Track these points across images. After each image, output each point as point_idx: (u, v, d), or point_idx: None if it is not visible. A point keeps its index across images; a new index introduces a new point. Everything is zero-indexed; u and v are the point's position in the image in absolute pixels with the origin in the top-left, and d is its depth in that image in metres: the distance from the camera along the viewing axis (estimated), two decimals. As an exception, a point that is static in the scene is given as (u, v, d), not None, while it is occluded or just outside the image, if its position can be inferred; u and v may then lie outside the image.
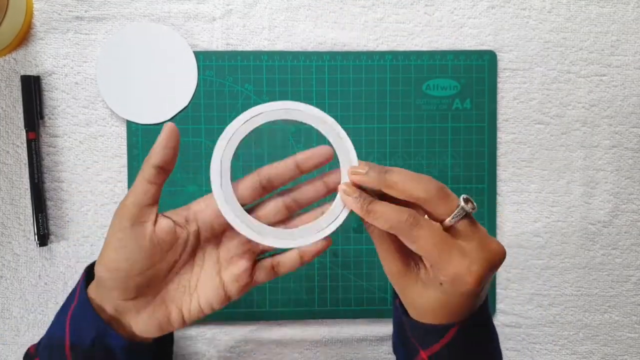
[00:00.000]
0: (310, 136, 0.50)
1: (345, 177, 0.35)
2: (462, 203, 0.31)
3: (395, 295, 0.37)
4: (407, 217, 0.31)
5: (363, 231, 0.50)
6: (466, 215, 0.32)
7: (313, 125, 0.36)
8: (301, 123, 0.36)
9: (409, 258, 0.34)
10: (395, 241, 0.33)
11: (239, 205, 0.35)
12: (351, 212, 0.35)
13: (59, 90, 0.49)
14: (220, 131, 0.49)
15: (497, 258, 0.32)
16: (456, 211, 0.31)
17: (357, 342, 0.51)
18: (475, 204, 0.32)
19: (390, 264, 0.34)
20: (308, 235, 0.36)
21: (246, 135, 0.36)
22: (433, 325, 0.34)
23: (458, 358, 0.34)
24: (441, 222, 0.32)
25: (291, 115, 0.36)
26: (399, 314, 0.36)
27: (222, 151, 0.37)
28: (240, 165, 0.49)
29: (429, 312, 0.33)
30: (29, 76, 0.48)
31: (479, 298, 0.33)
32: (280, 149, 0.50)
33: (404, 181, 0.32)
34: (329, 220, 0.35)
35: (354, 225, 0.51)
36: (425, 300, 0.33)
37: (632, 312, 0.52)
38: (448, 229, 0.32)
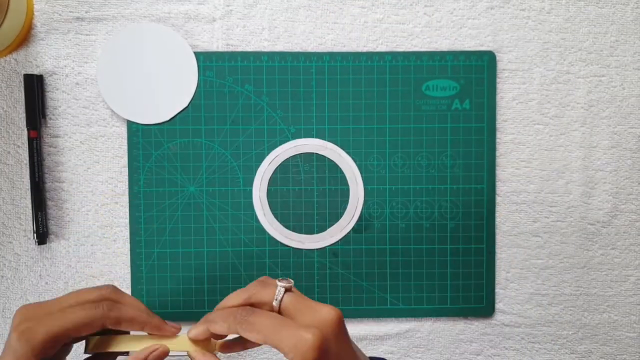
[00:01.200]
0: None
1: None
2: (278, 283, 0.35)
3: None
4: (240, 311, 0.34)
5: (363, 231, 0.51)
6: (287, 291, 0.34)
7: (318, 152, 0.49)
8: (310, 153, 0.49)
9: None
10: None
11: (280, 226, 0.49)
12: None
13: (59, 90, 0.50)
14: (220, 131, 0.50)
15: (329, 321, 0.33)
16: (277, 290, 0.34)
17: (357, 342, 0.51)
18: (290, 280, 0.35)
19: None
20: (330, 237, 0.47)
21: (272, 174, 0.46)
22: None
23: None
24: (271, 308, 0.34)
25: (299, 150, 0.49)
26: None
27: (258, 190, 0.47)
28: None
29: None
30: (32, 75, 0.48)
31: None
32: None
33: (225, 301, 0.36)
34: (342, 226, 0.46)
35: (354, 225, 0.51)
36: None
37: (631, 312, 0.52)
38: (280, 312, 0.34)
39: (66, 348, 0.37)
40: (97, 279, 0.49)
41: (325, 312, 0.33)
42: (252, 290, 0.35)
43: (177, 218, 0.50)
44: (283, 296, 0.34)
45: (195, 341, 0.36)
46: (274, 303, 0.34)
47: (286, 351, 0.32)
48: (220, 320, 0.34)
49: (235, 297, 0.36)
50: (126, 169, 0.50)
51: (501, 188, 0.51)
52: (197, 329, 0.36)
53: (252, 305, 0.35)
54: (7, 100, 0.49)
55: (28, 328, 0.33)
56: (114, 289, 0.37)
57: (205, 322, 0.35)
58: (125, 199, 0.50)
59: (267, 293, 0.35)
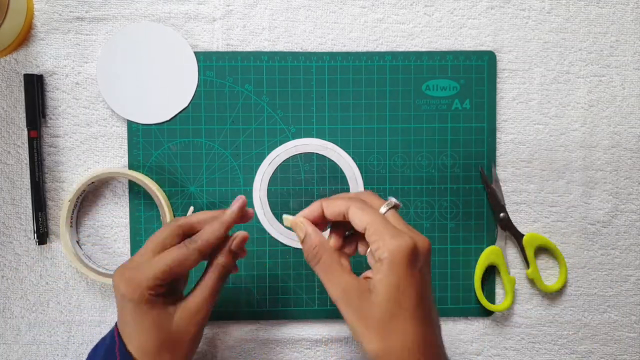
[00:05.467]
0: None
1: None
2: (389, 200, 0.39)
3: None
4: (355, 198, 0.38)
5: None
6: (394, 207, 0.38)
7: (318, 152, 0.50)
8: (310, 153, 0.50)
9: (352, 271, 0.38)
10: (334, 253, 0.38)
11: (280, 226, 0.49)
12: None
13: (59, 90, 0.50)
14: (220, 131, 0.50)
15: (424, 242, 0.36)
16: (387, 201, 0.38)
17: (357, 342, 0.51)
18: (400, 202, 0.39)
19: (337, 278, 0.37)
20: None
21: (272, 174, 0.47)
22: None
23: None
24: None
25: (299, 150, 0.50)
26: None
27: (258, 190, 0.49)
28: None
29: (384, 322, 0.35)
30: (32, 74, 0.48)
31: (419, 296, 0.35)
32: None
33: (339, 194, 0.41)
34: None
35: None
36: (377, 307, 0.35)
37: (631, 312, 0.52)
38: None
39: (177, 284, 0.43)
40: (97, 279, 0.49)
41: (422, 236, 0.37)
42: (366, 195, 0.40)
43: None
44: (391, 209, 0.38)
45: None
46: (382, 208, 0.38)
47: (380, 245, 0.35)
48: (339, 200, 0.38)
49: (348, 194, 0.40)
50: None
51: (501, 188, 0.51)
52: (312, 207, 0.39)
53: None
54: (7, 100, 0.49)
55: (131, 277, 0.38)
56: (178, 223, 0.41)
57: (321, 201, 0.39)
58: (125, 199, 0.50)
59: (379, 201, 0.39)
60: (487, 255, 0.50)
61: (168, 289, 0.40)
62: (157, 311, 0.39)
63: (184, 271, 0.40)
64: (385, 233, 0.35)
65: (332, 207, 0.38)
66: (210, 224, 0.41)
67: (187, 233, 0.41)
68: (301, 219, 0.39)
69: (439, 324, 0.38)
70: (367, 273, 0.39)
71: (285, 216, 0.40)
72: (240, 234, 0.42)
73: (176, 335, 0.40)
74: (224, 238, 0.41)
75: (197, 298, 0.40)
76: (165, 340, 0.39)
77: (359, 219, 0.36)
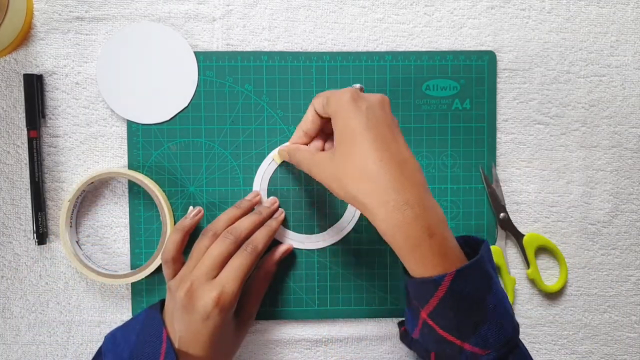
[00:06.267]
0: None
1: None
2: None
3: (403, 269, 0.39)
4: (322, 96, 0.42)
5: (363, 231, 0.51)
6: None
7: None
8: None
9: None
10: (304, 149, 0.44)
11: (281, 226, 0.50)
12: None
13: (59, 90, 0.50)
14: (220, 131, 0.50)
15: (376, 96, 0.40)
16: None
17: (357, 342, 0.51)
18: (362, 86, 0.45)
19: (313, 160, 0.42)
20: (330, 237, 0.50)
21: (272, 174, 0.50)
22: (427, 278, 0.36)
23: (455, 311, 0.36)
24: None
25: None
26: (403, 281, 0.41)
27: (258, 190, 0.50)
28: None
29: (343, 158, 0.38)
30: (32, 74, 0.48)
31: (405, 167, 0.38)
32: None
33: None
34: (339, 229, 0.50)
35: (354, 225, 0.51)
36: (336, 154, 0.39)
37: (632, 312, 0.52)
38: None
39: None
40: (97, 279, 0.49)
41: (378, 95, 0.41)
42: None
43: (177, 218, 0.50)
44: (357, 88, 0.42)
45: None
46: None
47: (332, 105, 0.40)
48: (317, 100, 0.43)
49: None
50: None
51: (501, 188, 0.51)
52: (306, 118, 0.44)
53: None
54: (7, 100, 0.49)
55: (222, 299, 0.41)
56: (229, 231, 0.45)
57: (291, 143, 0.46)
58: (125, 199, 0.50)
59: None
60: None
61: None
62: (231, 323, 0.45)
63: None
64: (333, 94, 0.40)
65: (315, 103, 0.43)
66: (263, 228, 0.46)
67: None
68: (277, 150, 0.48)
69: (408, 159, 0.39)
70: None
71: (274, 154, 0.48)
72: (289, 246, 0.49)
73: (237, 340, 0.46)
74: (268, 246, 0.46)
75: (251, 302, 0.47)
76: (230, 347, 0.45)
77: (318, 101, 0.42)
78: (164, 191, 0.50)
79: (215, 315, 0.40)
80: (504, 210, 0.51)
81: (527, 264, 0.51)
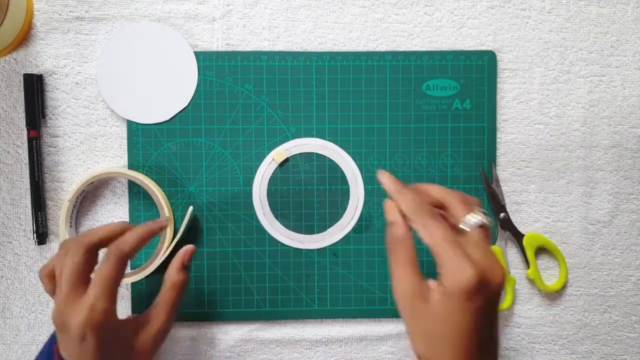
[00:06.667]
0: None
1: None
2: (479, 211, 0.34)
3: None
4: (427, 206, 0.34)
5: (363, 231, 0.51)
6: (482, 227, 0.34)
7: (318, 152, 0.50)
8: (310, 152, 0.50)
9: (421, 273, 0.35)
10: (410, 250, 0.35)
11: (280, 226, 0.49)
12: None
13: (59, 90, 0.50)
14: (220, 131, 0.50)
15: (491, 278, 0.32)
16: (474, 215, 0.34)
17: (357, 342, 0.51)
18: (491, 219, 0.34)
19: (403, 275, 0.34)
20: (330, 237, 0.49)
21: (272, 174, 0.48)
22: None
23: None
24: (455, 223, 0.34)
25: (299, 150, 0.50)
26: None
27: (258, 190, 0.48)
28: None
29: (437, 340, 0.33)
30: (32, 74, 0.48)
31: (483, 321, 0.32)
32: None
33: (428, 186, 0.37)
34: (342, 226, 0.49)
35: (354, 225, 0.51)
36: (432, 322, 0.33)
37: (632, 312, 0.52)
38: (461, 234, 0.34)
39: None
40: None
41: (497, 269, 0.32)
42: (453, 195, 0.35)
43: (177, 218, 0.50)
44: (474, 224, 0.34)
45: None
46: (461, 225, 0.34)
47: (442, 271, 0.32)
48: (411, 200, 0.35)
49: (434, 188, 0.36)
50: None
51: (502, 188, 0.51)
52: (405, 193, 0.36)
53: (441, 206, 0.35)
54: (6, 100, 0.49)
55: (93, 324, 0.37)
56: (84, 246, 0.40)
57: (395, 193, 0.36)
58: (125, 199, 0.50)
59: (462, 209, 0.34)
60: None
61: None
62: (121, 340, 0.39)
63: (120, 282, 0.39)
64: (449, 257, 0.32)
65: (402, 206, 0.35)
66: (136, 227, 0.41)
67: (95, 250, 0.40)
68: (391, 202, 0.36)
69: None
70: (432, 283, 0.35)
71: (381, 173, 0.37)
72: (188, 248, 0.44)
73: (136, 352, 0.40)
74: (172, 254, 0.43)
75: (159, 316, 0.42)
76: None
77: (425, 237, 0.34)
78: (163, 191, 0.50)
79: (90, 337, 0.36)
80: (504, 210, 0.51)
81: (527, 264, 0.51)
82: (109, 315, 0.37)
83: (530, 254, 0.50)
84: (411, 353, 0.51)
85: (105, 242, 0.40)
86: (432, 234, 0.33)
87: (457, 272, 0.31)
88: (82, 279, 0.38)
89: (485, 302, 0.32)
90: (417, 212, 0.34)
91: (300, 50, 0.50)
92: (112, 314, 0.38)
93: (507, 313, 0.52)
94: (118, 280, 0.38)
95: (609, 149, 0.52)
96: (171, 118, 0.50)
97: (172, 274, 0.43)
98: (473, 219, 0.34)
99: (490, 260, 0.32)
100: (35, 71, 0.49)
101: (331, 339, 0.51)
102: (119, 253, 0.39)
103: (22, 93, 0.49)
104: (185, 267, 0.44)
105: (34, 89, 0.48)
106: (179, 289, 0.43)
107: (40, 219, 0.49)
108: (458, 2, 0.51)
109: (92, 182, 0.48)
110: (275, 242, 0.50)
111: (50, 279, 0.39)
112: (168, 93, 0.50)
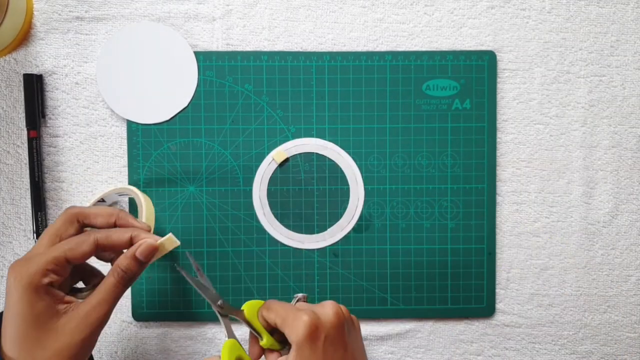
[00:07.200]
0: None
1: None
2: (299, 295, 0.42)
3: None
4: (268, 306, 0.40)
5: (363, 231, 0.51)
6: (299, 300, 0.42)
7: (318, 152, 0.50)
8: (310, 152, 0.50)
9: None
10: None
11: (280, 226, 0.50)
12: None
13: (59, 90, 0.50)
14: (220, 131, 0.50)
15: (324, 317, 0.37)
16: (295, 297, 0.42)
17: (357, 342, 0.51)
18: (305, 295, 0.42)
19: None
20: (330, 237, 0.49)
21: (272, 174, 0.48)
22: None
23: None
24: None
25: (299, 150, 0.50)
26: None
27: (258, 190, 0.48)
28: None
29: None
30: (32, 74, 0.48)
31: None
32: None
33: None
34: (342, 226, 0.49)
35: (354, 225, 0.51)
36: None
37: (632, 312, 0.52)
38: None
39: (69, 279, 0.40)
40: (97, 279, 0.49)
41: (330, 309, 0.38)
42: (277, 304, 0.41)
43: (177, 218, 0.50)
44: (300, 298, 0.42)
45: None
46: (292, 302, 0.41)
47: (287, 331, 0.37)
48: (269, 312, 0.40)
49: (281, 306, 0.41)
50: (126, 169, 0.50)
51: (502, 188, 0.51)
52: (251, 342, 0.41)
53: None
54: (6, 100, 0.49)
55: (23, 266, 0.36)
56: (73, 211, 0.39)
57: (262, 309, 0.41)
58: (125, 199, 0.50)
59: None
60: None
61: (64, 284, 0.38)
62: (43, 303, 0.36)
63: (78, 259, 0.37)
64: (289, 318, 0.37)
65: (267, 318, 0.39)
66: (121, 229, 0.39)
67: (83, 223, 0.40)
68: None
69: None
70: None
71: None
72: (148, 241, 0.39)
73: (57, 336, 0.36)
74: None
75: (91, 300, 0.37)
76: (42, 338, 0.36)
77: (271, 318, 0.39)
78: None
79: (13, 288, 0.36)
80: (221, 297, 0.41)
81: (259, 335, 0.40)
82: (47, 279, 0.36)
83: (256, 323, 0.40)
84: (411, 353, 0.52)
85: (91, 217, 0.40)
86: (275, 313, 0.38)
87: (296, 322, 0.36)
88: (53, 241, 0.38)
89: (328, 339, 0.36)
90: (269, 314, 0.39)
91: (300, 50, 0.50)
92: (51, 281, 0.36)
93: (507, 313, 0.52)
94: (75, 255, 0.37)
95: (609, 149, 0.52)
96: (171, 118, 0.50)
97: (120, 258, 0.39)
98: (294, 299, 0.42)
99: (315, 305, 0.39)
100: (35, 71, 0.49)
101: (331, 339, 0.51)
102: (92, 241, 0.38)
103: (22, 93, 0.49)
104: (137, 260, 0.38)
105: (34, 89, 0.48)
106: (121, 277, 0.38)
107: (40, 219, 0.49)
108: (458, 2, 0.51)
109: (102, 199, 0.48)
110: (275, 242, 0.50)
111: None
112: (168, 93, 0.50)
